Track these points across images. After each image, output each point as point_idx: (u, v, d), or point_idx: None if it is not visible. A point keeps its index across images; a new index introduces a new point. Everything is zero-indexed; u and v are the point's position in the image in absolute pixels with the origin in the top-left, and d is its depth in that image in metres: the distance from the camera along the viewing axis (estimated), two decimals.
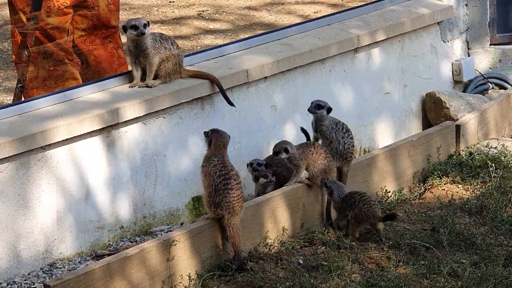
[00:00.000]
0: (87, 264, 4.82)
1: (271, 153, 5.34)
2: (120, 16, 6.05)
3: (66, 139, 4.92)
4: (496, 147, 5.96)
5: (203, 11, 9.37)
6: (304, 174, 5.24)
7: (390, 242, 4.93)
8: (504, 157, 5.84)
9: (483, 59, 7.00)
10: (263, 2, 9.64)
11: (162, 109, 5.28)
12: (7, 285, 4.74)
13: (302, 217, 5.13)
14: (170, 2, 9.65)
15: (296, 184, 5.16)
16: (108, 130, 5.09)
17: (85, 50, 5.81)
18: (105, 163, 5.10)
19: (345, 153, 5.28)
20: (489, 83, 6.95)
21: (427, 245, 4.86)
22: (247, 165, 5.32)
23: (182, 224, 5.39)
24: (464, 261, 4.74)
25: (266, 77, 5.74)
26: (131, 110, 5.15)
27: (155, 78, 5.38)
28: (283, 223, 5.04)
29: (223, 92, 5.45)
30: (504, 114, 6.42)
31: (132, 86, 5.35)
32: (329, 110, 5.33)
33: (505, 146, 5.98)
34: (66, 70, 5.72)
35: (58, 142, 4.90)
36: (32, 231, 4.84)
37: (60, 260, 4.94)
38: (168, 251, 4.57)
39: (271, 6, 9.50)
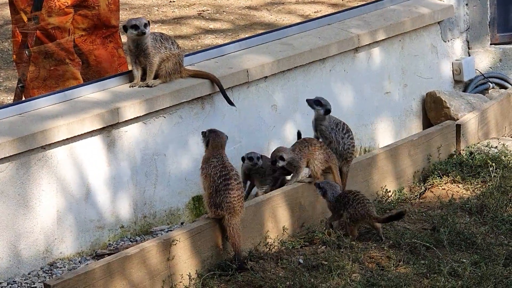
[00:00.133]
0: (87, 264, 4.82)
1: (271, 153, 5.34)
2: (120, 16, 6.05)
3: (67, 139, 4.93)
4: (496, 147, 5.96)
5: (204, 11, 9.37)
6: (304, 173, 5.25)
7: (391, 242, 4.92)
8: (505, 157, 5.84)
9: (484, 59, 7.00)
10: (264, 1, 9.64)
11: (162, 109, 5.28)
12: (8, 284, 4.74)
13: (302, 217, 5.13)
14: (170, 1, 9.66)
15: (297, 184, 5.16)
16: (109, 129, 5.09)
17: (85, 50, 5.81)
18: (105, 162, 5.10)
19: (344, 154, 5.27)
20: (490, 83, 6.95)
21: (428, 244, 4.86)
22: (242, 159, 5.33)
23: (182, 223, 5.39)
24: (465, 260, 4.74)
25: (266, 77, 5.75)
26: (131, 109, 5.15)
27: (155, 77, 5.38)
28: (283, 222, 5.04)
29: (223, 91, 5.45)
30: (505, 113, 6.42)
31: (132, 86, 5.35)
32: (327, 111, 5.29)
33: (505, 145, 5.98)
34: (67, 70, 5.73)
35: (58, 141, 4.90)
36: (32, 230, 4.84)
37: (60, 259, 4.94)
38: (168, 251, 4.57)
39: (272, 6, 9.51)
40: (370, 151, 6.08)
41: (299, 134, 5.44)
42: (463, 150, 5.96)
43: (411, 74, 6.54)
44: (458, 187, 5.61)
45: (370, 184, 5.51)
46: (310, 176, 5.21)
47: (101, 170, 5.09)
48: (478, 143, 6.06)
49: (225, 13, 9.33)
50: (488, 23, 7.00)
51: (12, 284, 4.74)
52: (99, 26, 5.82)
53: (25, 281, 4.76)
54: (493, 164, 5.67)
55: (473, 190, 5.55)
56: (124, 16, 8.50)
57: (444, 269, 4.63)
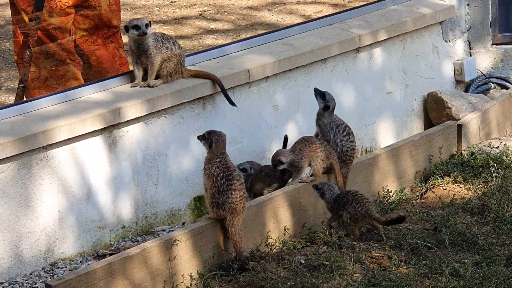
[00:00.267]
0: (88, 264, 4.82)
1: (272, 153, 5.34)
2: (121, 16, 6.05)
3: (68, 139, 4.93)
4: (498, 147, 5.95)
5: (205, 11, 9.37)
6: (305, 173, 5.25)
7: (392, 242, 4.92)
8: (506, 157, 5.83)
9: (485, 59, 6.99)
10: (265, 2, 9.64)
11: (163, 109, 5.28)
12: (9, 284, 4.74)
13: (303, 217, 5.13)
14: (171, 2, 9.66)
15: (298, 184, 5.16)
16: (110, 129, 5.09)
17: (86, 50, 5.81)
18: (106, 163, 5.10)
19: (343, 156, 5.24)
20: (491, 83, 6.94)
21: (429, 244, 4.86)
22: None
23: (183, 224, 5.39)
24: (466, 261, 4.73)
25: (267, 77, 5.74)
26: (132, 109, 5.15)
27: (156, 78, 5.38)
28: (284, 222, 5.04)
29: (224, 92, 5.45)
30: (506, 113, 6.42)
31: (133, 86, 5.35)
32: (325, 107, 5.26)
33: (507, 145, 5.98)
34: (68, 70, 5.73)
35: (59, 142, 4.90)
36: (33, 230, 4.84)
37: (61, 259, 4.94)
38: (170, 251, 4.57)
39: (273, 6, 9.51)
40: (371, 151, 6.08)
41: (285, 138, 5.44)
42: (464, 150, 5.96)
43: (412, 74, 6.54)
44: (460, 187, 5.61)
45: (371, 184, 5.51)
46: (311, 175, 5.20)
47: (103, 170, 5.09)
48: (480, 143, 6.05)
49: (226, 13, 9.33)
50: (489, 23, 7.00)
51: (13, 284, 4.74)
52: (100, 26, 5.82)
53: (26, 281, 4.76)
54: (495, 164, 5.66)
55: (474, 191, 5.55)
56: (125, 16, 8.50)
57: (446, 270, 4.62)
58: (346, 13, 6.46)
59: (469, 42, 6.95)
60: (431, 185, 5.67)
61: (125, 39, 5.88)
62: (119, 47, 5.92)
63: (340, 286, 4.52)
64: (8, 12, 7.91)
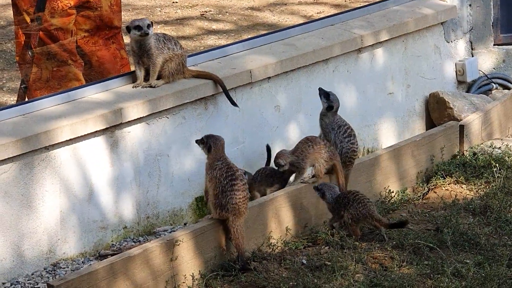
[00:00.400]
0: (90, 264, 4.82)
1: (274, 154, 5.34)
2: (123, 17, 6.05)
3: (70, 139, 4.93)
4: (500, 147, 5.95)
5: (206, 12, 9.37)
6: (307, 173, 5.24)
7: (394, 242, 4.92)
8: (508, 157, 5.83)
9: (487, 60, 6.99)
10: (266, 2, 9.64)
11: (165, 109, 5.28)
12: (11, 285, 4.74)
13: (305, 217, 5.13)
14: (173, 2, 9.66)
15: (300, 184, 5.16)
16: (112, 130, 5.09)
17: (88, 51, 5.81)
18: (108, 163, 5.10)
19: (343, 158, 5.23)
20: (493, 84, 6.94)
21: (431, 245, 4.86)
22: None
23: (185, 224, 5.39)
24: (468, 261, 4.73)
25: (269, 77, 5.74)
26: (134, 110, 5.15)
27: (158, 78, 5.38)
28: (286, 223, 5.04)
29: (226, 92, 5.45)
30: (508, 114, 6.42)
31: (135, 86, 5.35)
32: (329, 107, 5.28)
33: (509, 146, 5.98)
34: (69, 71, 5.73)
35: (61, 142, 4.90)
36: (35, 231, 4.84)
37: (63, 260, 4.94)
38: (172, 251, 4.57)
39: (274, 7, 9.50)
40: (373, 152, 6.07)
41: (268, 148, 5.43)
42: (466, 150, 5.96)
43: (414, 74, 6.53)
44: (462, 187, 5.61)
45: (373, 185, 5.51)
46: (313, 176, 5.20)
47: (104, 171, 5.09)
48: (482, 143, 6.05)
49: (227, 13, 9.33)
50: (491, 23, 6.99)
51: (15, 285, 4.74)
52: (102, 27, 5.82)
53: (28, 281, 4.77)
54: (497, 164, 5.66)
55: (476, 191, 5.55)
56: (127, 17, 8.51)
57: (448, 270, 4.62)
58: (348, 13, 6.46)
59: (471, 43, 6.94)
60: (433, 185, 5.67)
61: (126, 39, 5.88)
62: (120, 47, 5.92)
63: (342, 286, 4.52)
64: (9, 13, 7.90)
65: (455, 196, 5.49)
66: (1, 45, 8.45)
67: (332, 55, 6.01)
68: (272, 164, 5.41)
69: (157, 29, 8.28)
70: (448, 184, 5.64)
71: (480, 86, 6.91)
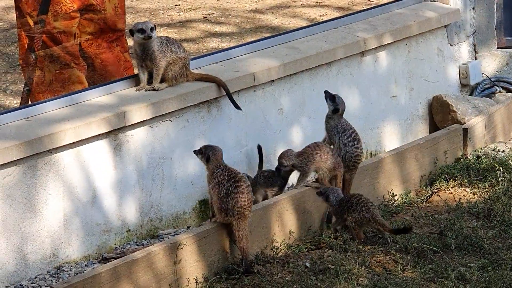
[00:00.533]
0: (94, 267, 4.82)
1: (277, 156, 5.34)
2: (126, 19, 6.05)
3: (73, 143, 4.92)
4: (503, 151, 5.94)
5: (209, 14, 9.38)
6: (310, 177, 5.24)
7: (398, 246, 4.91)
8: None
9: (490, 63, 6.98)
10: (269, 5, 9.64)
11: (168, 112, 5.28)
12: None
13: (308, 221, 5.12)
14: (176, 5, 9.66)
15: (303, 188, 5.15)
16: (115, 133, 5.09)
17: (91, 54, 5.81)
18: (111, 166, 5.10)
19: (347, 162, 5.23)
20: (496, 87, 6.93)
21: (435, 248, 4.85)
22: None
23: (188, 227, 5.38)
24: (472, 265, 4.72)
25: (273, 81, 5.74)
26: (137, 113, 5.15)
27: (161, 81, 5.38)
28: (289, 226, 5.03)
29: (229, 95, 5.44)
30: (511, 117, 6.41)
31: (139, 90, 5.35)
32: (335, 110, 5.29)
33: None
34: (73, 74, 5.73)
35: (65, 145, 4.90)
36: (39, 234, 4.84)
37: (67, 263, 4.94)
38: (175, 255, 4.56)
39: (277, 9, 9.51)
40: (376, 155, 6.07)
41: (259, 148, 5.43)
42: (470, 154, 5.95)
43: (417, 77, 6.53)
44: (465, 191, 5.60)
45: (376, 188, 5.50)
46: (316, 180, 5.20)
47: (108, 174, 5.08)
48: (485, 147, 6.04)
49: (230, 16, 9.33)
50: (494, 27, 6.99)
51: None
52: (105, 30, 5.82)
53: (31, 284, 4.76)
54: (500, 168, 5.65)
55: (480, 194, 5.54)
56: (130, 19, 8.50)
57: (452, 274, 4.61)
58: (351, 16, 6.46)
59: (474, 46, 6.94)
60: (437, 188, 5.66)
61: (130, 42, 5.88)
62: (124, 50, 5.92)
63: None
64: (12, 15, 7.91)
65: (459, 200, 5.48)
66: (4, 48, 8.45)
67: (336, 58, 6.00)
68: (265, 165, 5.42)
69: (160, 32, 8.27)
70: (452, 188, 5.63)
71: (483, 89, 6.91)
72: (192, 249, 4.62)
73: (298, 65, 5.83)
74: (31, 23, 5.68)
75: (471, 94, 6.87)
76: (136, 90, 5.35)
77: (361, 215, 4.91)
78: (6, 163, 4.70)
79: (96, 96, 5.26)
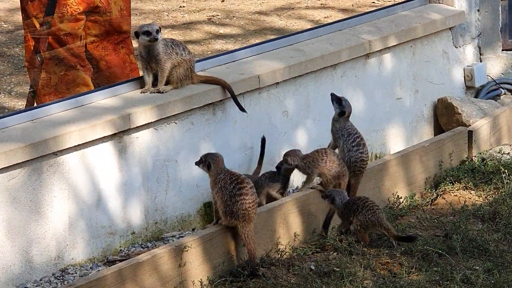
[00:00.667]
0: (99, 270, 4.82)
1: (282, 159, 5.34)
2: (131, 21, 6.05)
3: (78, 145, 4.93)
4: (508, 153, 5.93)
5: (214, 16, 9.38)
6: (315, 180, 5.24)
7: (403, 248, 4.91)
8: None
9: (495, 65, 6.97)
10: (273, 7, 9.64)
11: (173, 115, 5.28)
12: None
13: (313, 223, 5.12)
14: (180, 7, 9.67)
15: (308, 190, 5.15)
16: (120, 135, 5.09)
17: (97, 56, 5.81)
18: (116, 168, 5.10)
19: (351, 166, 5.22)
20: (501, 89, 6.92)
21: (440, 251, 4.84)
22: None
23: (193, 230, 5.38)
24: (478, 267, 4.72)
25: (277, 83, 5.74)
26: (142, 115, 5.15)
27: (166, 83, 5.38)
28: (294, 229, 5.03)
29: (234, 97, 5.44)
30: None
31: (143, 92, 5.35)
32: (341, 113, 5.29)
33: None
34: (78, 76, 5.73)
35: (70, 147, 4.90)
36: (44, 236, 4.85)
37: (71, 265, 4.94)
38: (180, 257, 4.56)
39: (281, 11, 9.50)
40: (381, 157, 6.06)
41: (263, 140, 5.41)
42: (475, 156, 5.94)
43: (422, 80, 6.52)
44: (470, 193, 5.59)
45: (381, 190, 5.50)
46: (321, 183, 5.19)
47: (113, 176, 5.09)
48: (490, 149, 6.03)
49: (235, 18, 9.33)
50: (499, 29, 6.98)
51: None
52: (111, 32, 5.82)
53: (36, 287, 4.76)
54: (506, 170, 5.64)
55: (485, 197, 5.53)
56: (135, 21, 8.50)
57: (457, 277, 4.61)
58: (356, 18, 6.46)
59: (479, 48, 6.93)
60: (442, 191, 5.65)
61: (135, 44, 5.89)
62: (129, 52, 5.92)
63: None
64: (17, 17, 7.93)
65: (464, 202, 5.47)
66: (9, 49, 8.46)
67: (340, 60, 6.00)
68: (268, 166, 5.41)
69: (164, 34, 8.27)
70: (457, 190, 5.62)
71: (488, 92, 6.90)
72: (197, 251, 4.62)
73: (303, 67, 5.83)
74: (37, 25, 5.68)
75: (476, 96, 6.86)
76: (141, 93, 5.35)
77: (366, 219, 4.90)
78: (11, 166, 4.71)
79: (101, 98, 5.26)
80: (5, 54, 8.35)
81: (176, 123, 5.31)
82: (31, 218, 4.80)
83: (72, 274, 4.87)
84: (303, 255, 4.89)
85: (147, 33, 5.27)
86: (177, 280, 4.55)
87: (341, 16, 8.93)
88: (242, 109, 5.47)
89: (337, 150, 5.31)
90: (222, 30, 8.98)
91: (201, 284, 4.60)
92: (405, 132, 6.45)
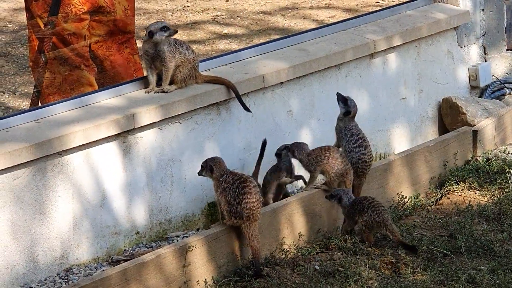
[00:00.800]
0: (103, 270, 4.82)
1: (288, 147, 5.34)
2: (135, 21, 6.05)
3: (83, 145, 4.93)
4: None
5: (218, 16, 9.38)
6: (319, 179, 5.24)
7: None
8: None
9: (500, 64, 6.96)
10: (278, 6, 9.64)
11: (178, 115, 5.28)
12: None
13: (318, 223, 5.12)
14: (184, 7, 9.67)
15: (313, 190, 5.15)
16: (124, 135, 5.10)
17: (101, 56, 5.81)
18: (121, 168, 5.10)
19: (354, 168, 5.20)
20: (506, 89, 6.91)
21: (445, 251, 4.84)
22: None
23: (198, 229, 5.38)
24: (482, 267, 4.71)
25: (282, 83, 5.73)
26: (147, 115, 5.15)
27: (170, 83, 5.37)
28: (299, 229, 5.03)
29: (239, 97, 5.44)
30: None
31: (148, 92, 5.35)
32: (346, 113, 5.29)
33: None
34: (82, 76, 5.73)
35: (74, 147, 4.90)
36: (48, 236, 4.85)
37: (76, 265, 4.94)
38: (184, 257, 4.56)
39: (286, 11, 9.50)
40: (385, 157, 6.06)
41: (264, 142, 5.42)
42: (479, 156, 5.93)
43: (427, 79, 6.51)
44: (475, 193, 5.58)
45: (386, 190, 5.49)
46: (325, 183, 5.19)
47: (117, 176, 5.09)
48: (495, 149, 6.03)
49: (239, 18, 9.33)
50: (504, 28, 6.96)
51: None
52: (115, 31, 5.82)
53: (41, 287, 4.77)
54: (510, 170, 5.64)
55: (490, 197, 5.52)
56: (139, 21, 8.51)
57: (462, 277, 4.60)
58: (360, 18, 6.45)
59: (484, 48, 6.92)
60: (446, 191, 5.64)
61: (139, 44, 5.88)
62: (134, 52, 5.92)
63: None
64: (21, 17, 7.93)
65: (469, 202, 5.47)
66: (13, 49, 8.47)
67: (345, 60, 5.99)
68: (271, 164, 5.41)
69: None
70: (462, 190, 5.61)
71: (493, 91, 6.89)
72: (202, 251, 4.62)
73: (307, 67, 5.82)
74: (41, 25, 5.69)
75: (480, 96, 6.85)
76: (145, 92, 5.35)
77: (372, 219, 4.90)
78: (15, 165, 4.71)
79: (106, 98, 5.26)
80: (10, 54, 8.36)
81: (180, 123, 5.31)
82: (36, 218, 4.81)
83: (76, 274, 4.87)
84: (307, 255, 4.88)
85: (165, 28, 5.26)
86: (181, 280, 4.55)
87: (345, 16, 8.93)
88: (246, 108, 5.46)
89: (341, 149, 5.31)
90: (226, 30, 8.98)
91: (205, 284, 4.60)
92: (410, 132, 6.44)
